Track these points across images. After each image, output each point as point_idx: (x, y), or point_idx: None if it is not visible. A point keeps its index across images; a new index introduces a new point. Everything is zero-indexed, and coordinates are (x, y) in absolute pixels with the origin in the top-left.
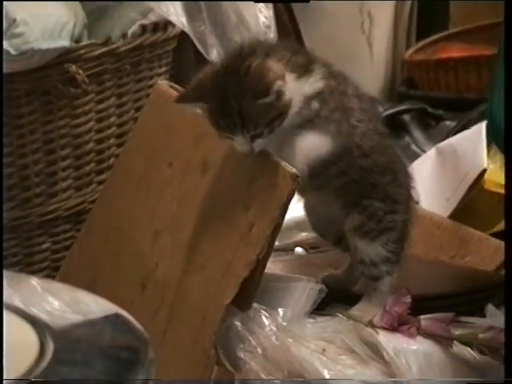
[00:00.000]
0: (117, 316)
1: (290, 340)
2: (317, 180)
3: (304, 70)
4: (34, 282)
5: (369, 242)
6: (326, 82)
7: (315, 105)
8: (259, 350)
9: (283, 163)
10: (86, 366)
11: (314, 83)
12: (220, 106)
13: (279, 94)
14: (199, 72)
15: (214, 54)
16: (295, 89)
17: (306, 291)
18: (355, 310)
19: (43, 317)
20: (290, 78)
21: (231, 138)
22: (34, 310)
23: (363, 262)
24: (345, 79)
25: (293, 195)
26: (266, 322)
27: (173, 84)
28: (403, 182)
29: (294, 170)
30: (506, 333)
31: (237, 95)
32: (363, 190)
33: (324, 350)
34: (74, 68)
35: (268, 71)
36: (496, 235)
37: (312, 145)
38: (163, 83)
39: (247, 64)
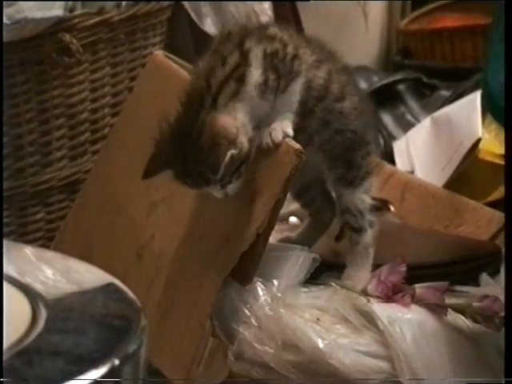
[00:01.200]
0: (109, 284)
1: (283, 310)
2: (301, 136)
3: (242, 67)
4: (28, 250)
5: (353, 190)
6: (263, 48)
7: (271, 77)
8: (253, 321)
9: (287, 139)
10: (78, 334)
11: (256, 63)
12: (182, 169)
13: (235, 152)
14: (157, 133)
15: (208, 24)
16: (247, 107)
17: (299, 260)
18: (346, 278)
19: (36, 286)
20: (239, 109)
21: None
22: (27, 279)
23: (349, 211)
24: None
25: (296, 171)
26: (261, 292)
27: (168, 54)
28: (369, 120)
29: (297, 146)
30: (506, 333)
31: (195, 161)
32: (346, 140)
33: (318, 319)
34: (67, 37)
35: (219, 137)
36: (490, 204)
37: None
38: (159, 53)
39: (199, 125)
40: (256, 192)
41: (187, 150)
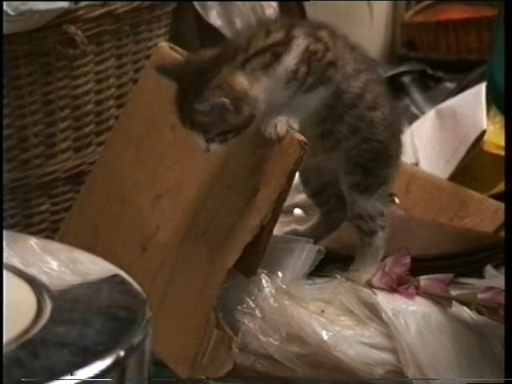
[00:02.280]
0: (114, 276)
1: (288, 302)
2: (329, 140)
3: (282, 47)
4: (33, 242)
5: (367, 198)
6: (307, 43)
7: (302, 69)
8: (258, 313)
9: (292, 130)
10: (83, 325)
11: (295, 51)
12: (182, 97)
13: (230, 108)
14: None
15: (214, 16)
16: (268, 85)
17: (304, 252)
18: (353, 271)
19: (41, 277)
20: (261, 83)
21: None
22: (32, 270)
23: (361, 216)
24: (332, 33)
25: (300, 163)
26: (265, 284)
27: (174, 46)
28: (398, 135)
29: (302, 138)
30: (506, 332)
31: (194, 94)
32: (371, 149)
33: (323, 311)
34: (72, 29)
35: (226, 85)
36: (495, 196)
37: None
38: (164, 45)
39: (218, 71)
40: (260, 183)
41: (192, 84)
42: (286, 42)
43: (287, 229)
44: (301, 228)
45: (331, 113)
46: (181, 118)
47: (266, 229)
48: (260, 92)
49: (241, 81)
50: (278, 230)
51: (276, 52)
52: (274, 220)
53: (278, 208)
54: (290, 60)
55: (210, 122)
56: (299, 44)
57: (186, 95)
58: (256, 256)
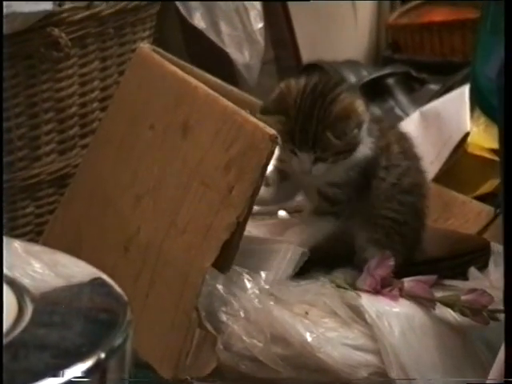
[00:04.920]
0: (96, 278)
1: (272, 303)
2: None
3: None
4: (16, 244)
5: (378, 248)
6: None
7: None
8: (242, 314)
9: (262, 124)
10: (64, 328)
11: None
12: (302, 121)
13: (356, 136)
14: (282, 85)
15: (198, 18)
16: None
17: (288, 254)
18: (337, 273)
19: (23, 279)
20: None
21: (295, 154)
22: (15, 273)
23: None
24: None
25: (272, 156)
26: (249, 285)
27: (155, 47)
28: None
29: (272, 132)
30: (506, 333)
31: (319, 117)
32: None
33: (307, 312)
34: (56, 31)
35: (355, 112)
36: (479, 198)
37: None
38: (145, 46)
39: (337, 92)
40: (235, 180)
41: (317, 106)
42: None
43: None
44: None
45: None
46: (300, 141)
47: (240, 225)
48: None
49: (360, 104)
50: (261, 233)
51: None
52: (247, 216)
53: (252, 204)
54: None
55: (334, 144)
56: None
57: (309, 121)
58: (230, 252)
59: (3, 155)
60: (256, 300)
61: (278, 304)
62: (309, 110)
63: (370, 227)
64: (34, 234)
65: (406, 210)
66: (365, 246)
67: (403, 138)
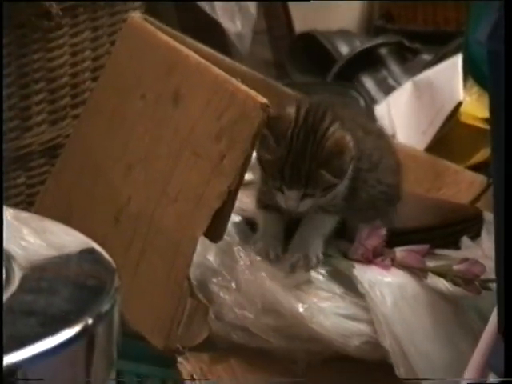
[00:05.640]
0: (85, 246)
1: (264, 274)
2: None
3: None
4: (6, 211)
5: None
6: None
7: None
8: (233, 285)
9: (253, 93)
10: (52, 294)
11: None
12: (293, 157)
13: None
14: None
15: None
16: None
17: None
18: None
19: (11, 247)
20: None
21: (281, 191)
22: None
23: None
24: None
25: (263, 125)
26: (240, 256)
27: (147, 17)
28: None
29: (264, 100)
30: (506, 333)
31: (313, 156)
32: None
33: (298, 283)
34: (47, 1)
35: (346, 149)
36: (471, 167)
37: None
38: (136, 16)
39: (325, 127)
40: (226, 149)
41: (309, 144)
42: None
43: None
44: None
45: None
46: (289, 177)
47: (232, 194)
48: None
49: (349, 140)
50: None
51: None
52: (239, 184)
53: (243, 173)
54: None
55: (325, 181)
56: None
57: (302, 158)
58: (222, 221)
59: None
60: (247, 271)
61: (270, 275)
62: (301, 148)
63: (358, 210)
64: (26, 205)
65: (383, 183)
66: (356, 225)
67: (357, 116)
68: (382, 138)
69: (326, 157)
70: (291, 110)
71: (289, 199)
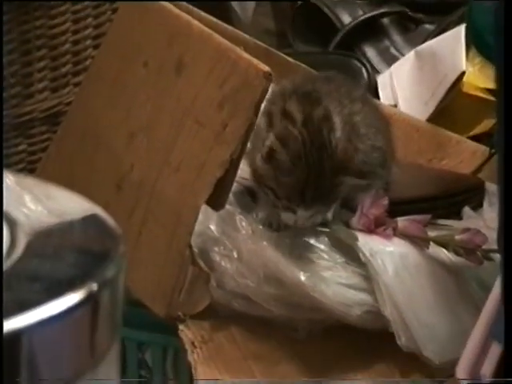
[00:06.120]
0: (89, 211)
1: (265, 243)
2: None
3: None
4: (7, 176)
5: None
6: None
7: None
8: (235, 254)
9: (256, 61)
10: (57, 260)
11: None
12: (315, 178)
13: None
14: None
15: None
16: None
17: None
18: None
19: (15, 212)
20: None
21: (293, 212)
22: (6, 206)
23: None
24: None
25: (265, 93)
26: (242, 225)
27: None
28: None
29: (266, 69)
30: (506, 333)
31: (333, 172)
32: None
33: (300, 252)
34: None
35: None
36: (474, 138)
37: None
38: None
39: (330, 138)
40: (228, 117)
41: (324, 161)
42: None
43: None
44: None
45: None
46: (311, 198)
47: (234, 162)
48: None
49: (354, 156)
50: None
51: None
52: (241, 153)
53: (246, 141)
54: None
55: (350, 184)
56: None
57: (322, 177)
58: (224, 190)
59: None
60: (249, 241)
61: (272, 245)
62: (320, 165)
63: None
64: (27, 172)
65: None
66: (355, 194)
67: (341, 87)
68: (367, 103)
69: (339, 167)
70: (290, 126)
71: (300, 219)
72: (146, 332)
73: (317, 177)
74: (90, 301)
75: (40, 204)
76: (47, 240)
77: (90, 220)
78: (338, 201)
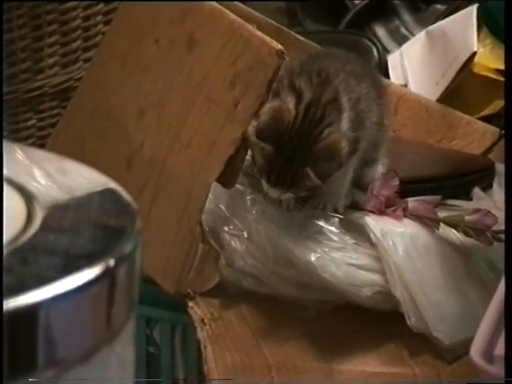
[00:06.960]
0: (105, 186)
1: (276, 224)
2: None
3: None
4: (18, 150)
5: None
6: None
7: None
8: (245, 234)
9: (268, 39)
10: (74, 234)
11: None
12: (284, 161)
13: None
14: (275, 108)
15: None
16: None
17: None
18: None
19: (31, 186)
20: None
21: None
22: (22, 179)
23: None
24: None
25: (278, 72)
26: (253, 205)
27: None
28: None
29: (279, 47)
30: (506, 334)
31: (303, 161)
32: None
33: (310, 233)
34: None
35: (336, 154)
36: (484, 119)
37: None
38: None
39: (322, 128)
40: (240, 95)
41: (301, 149)
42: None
43: None
44: None
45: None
46: (276, 178)
47: (245, 140)
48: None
49: (344, 145)
50: None
51: None
52: None
53: (257, 119)
54: None
55: (314, 182)
56: None
57: (291, 159)
58: (235, 168)
59: (6, 67)
60: (259, 221)
61: (282, 225)
62: (293, 152)
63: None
64: (36, 147)
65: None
66: (364, 172)
67: (344, 63)
68: (367, 77)
69: (314, 157)
70: (291, 105)
71: (270, 191)
72: (155, 308)
73: (284, 163)
74: (107, 276)
75: (55, 178)
76: (64, 214)
77: (107, 195)
78: (303, 192)
